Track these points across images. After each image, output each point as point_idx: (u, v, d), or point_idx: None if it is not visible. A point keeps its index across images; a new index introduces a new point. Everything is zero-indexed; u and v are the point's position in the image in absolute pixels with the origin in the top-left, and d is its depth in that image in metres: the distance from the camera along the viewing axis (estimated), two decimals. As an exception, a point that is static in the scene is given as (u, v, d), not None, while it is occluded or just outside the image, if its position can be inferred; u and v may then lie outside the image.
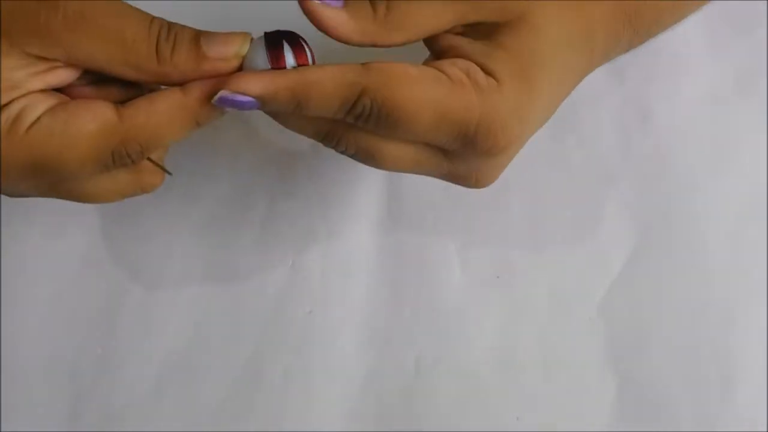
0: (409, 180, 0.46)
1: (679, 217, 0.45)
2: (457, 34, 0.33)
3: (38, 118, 0.31)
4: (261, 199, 0.46)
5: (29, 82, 0.32)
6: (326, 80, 0.31)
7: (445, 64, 0.33)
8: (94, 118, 0.32)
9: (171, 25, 0.32)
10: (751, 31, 0.47)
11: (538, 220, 0.45)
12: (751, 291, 0.44)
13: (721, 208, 0.45)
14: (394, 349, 0.44)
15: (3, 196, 0.45)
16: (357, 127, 0.33)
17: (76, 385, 0.44)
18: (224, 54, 0.32)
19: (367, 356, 0.44)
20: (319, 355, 0.44)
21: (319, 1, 0.32)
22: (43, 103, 0.32)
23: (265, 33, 0.33)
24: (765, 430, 0.43)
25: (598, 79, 0.36)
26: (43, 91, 0.32)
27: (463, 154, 0.34)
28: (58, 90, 0.33)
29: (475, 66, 0.33)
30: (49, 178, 0.33)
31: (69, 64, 0.32)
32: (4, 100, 0.31)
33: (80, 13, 0.31)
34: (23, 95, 0.32)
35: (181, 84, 0.32)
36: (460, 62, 0.33)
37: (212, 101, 0.32)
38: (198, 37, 0.32)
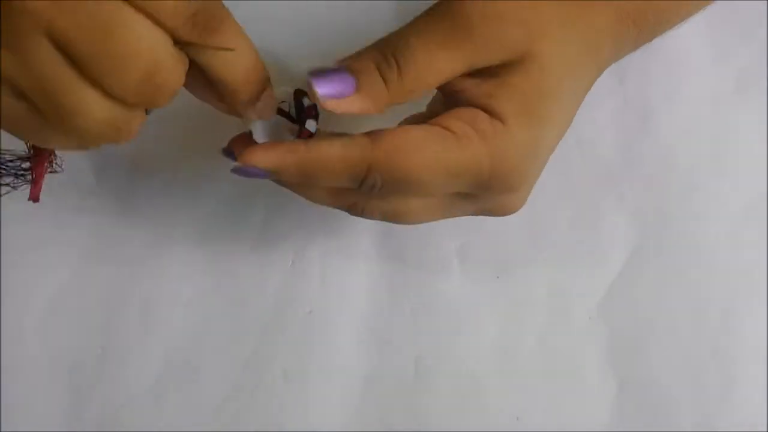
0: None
1: (679, 217, 0.45)
2: (464, 75, 0.34)
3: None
4: (261, 200, 0.46)
5: None
6: (333, 158, 0.32)
7: (450, 119, 0.33)
8: (152, 29, 0.28)
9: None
10: (752, 32, 0.47)
11: (538, 221, 0.45)
12: (751, 291, 0.44)
13: (721, 208, 0.45)
14: (394, 349, 0.44)
15: (3, 198, 0.45)
16: (376, 196, 0.34)
17: (76, 385, 0.44)
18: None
19: (367, 356, 0.44)
20: (319, 355, 0.44)
21: (334, 100, 0.33)
22: None
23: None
24: (765, 430, 0.43)
25: (598, 79, 0.36)
26: None
27: (484, 195, 0.35)
28: None
29: (481, 113, 0.33)
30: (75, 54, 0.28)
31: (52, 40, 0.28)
32: None
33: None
34: None
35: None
36: (464, 113, 0.33)
37: (231, 170, 0.33)
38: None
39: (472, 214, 0.37)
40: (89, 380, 0.44)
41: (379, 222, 0.45)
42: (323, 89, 0.32)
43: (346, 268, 0.45)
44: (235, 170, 0.33)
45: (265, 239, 0.45)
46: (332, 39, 0.45)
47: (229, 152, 0.36)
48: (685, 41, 0.46)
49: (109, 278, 0.45)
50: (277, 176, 0.33)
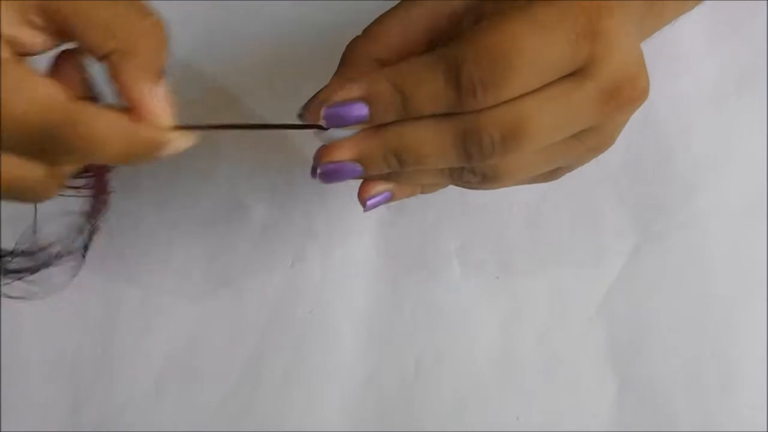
0: (409, 180, 0.46)
1: (679, 217, 0.45)
2: None
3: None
4: (261, 199, 0.46)
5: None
6: (419, 63, 0.31)
7: (510, 3, 0.31)
8: (50, 86, 0.29)
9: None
10: (752, 31, 0.47)
11: (538, 220, 0.45)
12: (751, 291, 0.44)
13: (722, 208, 0.45)
14: (394, 349, 0.44)
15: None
16: (487, 108, 0.31)
17: (76, 385, 0.44)
18: (160, 112, 0.30)
19: (367, 356, 0.44)
20: (319, 355, 0.44)
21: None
22: (5, 52, 0.29)
23: None
24: (765, 430, 0.43)
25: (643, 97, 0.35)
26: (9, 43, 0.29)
27: (593, 55, 0.31)
28: None
29: None
30: None
31: (47, 18, 0.29)
32: None
33: None
34: None
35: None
36: None
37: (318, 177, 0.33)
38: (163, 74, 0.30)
39: (602, 111, 0.32)
40: (89, 380, 0.44)
41: (379, 222, 0.45)
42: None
43: (346, 268, 0.45)
44: (322, 174, 0.33)
45: (265, 239, 0.45)
46: (332, 39, 0.45)
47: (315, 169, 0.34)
48: (685, 41, 0.46)
49: (109, 278, 0.45)
50: (373, 104, 0.31)
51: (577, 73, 0.31)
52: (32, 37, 0.29)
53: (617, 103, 0.32)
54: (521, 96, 0.31)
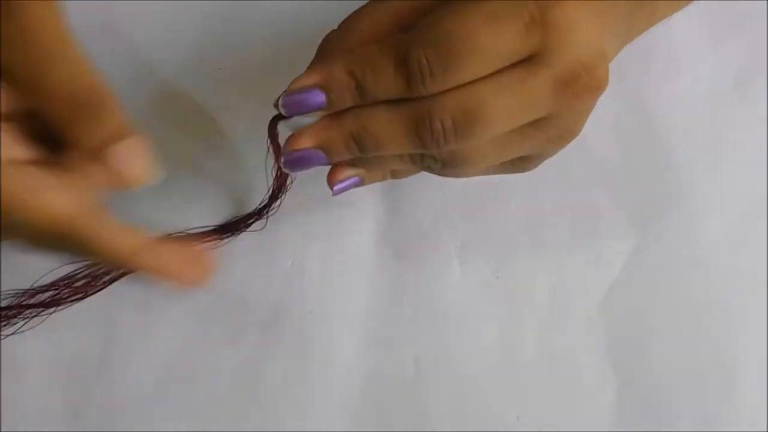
0: (409, 179, 0.46)
1: (679, 217, 0.45)
2: None
3: None
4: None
5: None
6: (371, 50, 0.31)
7: None
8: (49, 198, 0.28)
9: (111, 98, 0.29)
10: (751, 31, 0.47)
11: (538, 220, 0.45)
12: (751, 291, 0.44)
13: (721, 208, 0.45)
14: (394, 349, 0.44)
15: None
16: (439, 94, 0.31)
17: (76, 386, 0.44)
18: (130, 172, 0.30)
19: (367, 356, 0.44)
20: (319, 355, 0.44)
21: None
22: None
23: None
24: (765, 430, 0.43)
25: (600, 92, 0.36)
26: None
27: (546, 44, 0.31)
28: None
29: None
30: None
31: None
32: None
33: (29, 20, 0.27)
34: None
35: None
36: None
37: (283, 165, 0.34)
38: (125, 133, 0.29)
39: (558, 99, 0.32)
40: (89, 380, 0.44)
41: (379, 222, 0.45)
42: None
43: (346, 268, 0.45)
44: (287, 163, 0.33)
45: (265, 239, 0.45)
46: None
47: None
48: (685, 41, 0.46)
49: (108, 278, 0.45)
50: (328, 92, 0.32)
51: (530, 60, 0.31)
52: None
53: (573, 91, 0.32)
54: (472, 82, 0.31)
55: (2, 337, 0.43)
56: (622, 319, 0.44)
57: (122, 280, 0.44)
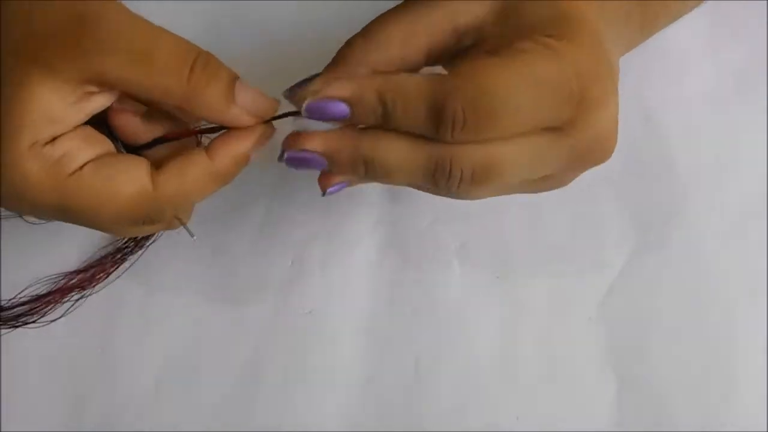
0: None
1: (679, 217, 0.45)
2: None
3: (81, 167, 0.32)
4: (261, 199, 0.46)
5: (69, 114, 0.32)
6: (409, 83, 0.31)
7: (517, 42, 0.31)
8: (132, 182, 0.32)
9: (210, 59, 0.32)
10: (751, 32, 0.47)
11: (538, 220, 0.45)
12: (751, 291, 0.44)
13: (721, 208, 0.45)
14: (394, 349, 0.44)
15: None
16: (463, 143, 0.31)
17: (76, 385, 0.44)
18: (251, 107, 0.33)
19: (367, 356, 0.44)
20: (319, 355, 0.44)
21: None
22: (88, 151, 0.32)
23: None
24: (765, 430, 0.43)
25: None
26: (86, 132, 0.33)
27: (577, 121, 0.32)
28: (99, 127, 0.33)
29: (537, 37, 0.31)
30: (79, 223, 0.33)
31: (101, 85, 0.32)
32: (47, 136, 0.31)
33: (112, 32, 0.31)
34: (67, 133, 0.32)
35: (202, 118, 0.33)
36: (524, 38, 0.31)
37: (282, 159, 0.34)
38: (234, 80, 0.33)
39: (569, 165, 0.33)
40: (89, 380, 0.44)
41: (379, 222, 0.45)
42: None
43: (346, 268, 0.45)
44: (289, 159, 0.33)
45: (265, 239, 0.45)
46: (332, 39, 0.45)
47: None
48: (685, 41, 0.46)
49: (108, 278, 0.45)
50: (355, 106, 0.31)
51: (555, 130, 0.32)
52: (98, 101, 0.32)
53: (585, 162, 0.34)
54: (498, 140, 0.31)
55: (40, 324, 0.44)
56: (622, 320, 0.44)
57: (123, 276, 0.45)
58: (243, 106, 0.33)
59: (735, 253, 0.45)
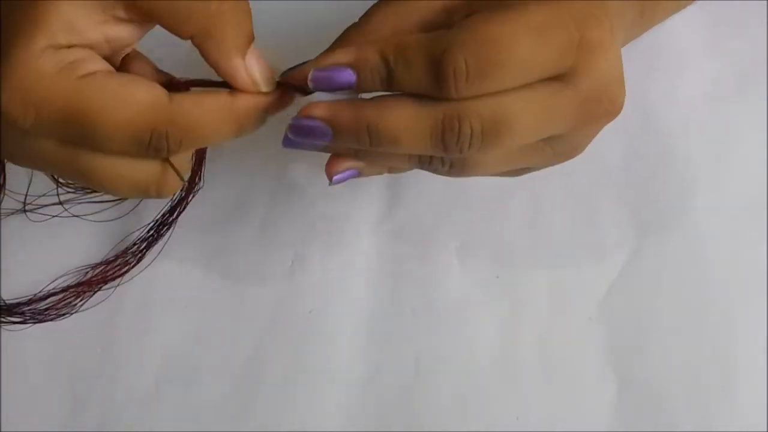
0: (409, 179, 0.46)
1: (679, 217, 0.45)
2: None
3: (93, 72, 0.31)
4: (261, 199, 0.46)
5: (89, 30, 0.31)
6: (411, 41, 0.31)
7: (507, 2, 0.31)
8: (148, 91, 0.32)
9: (243, 4, 0.33)
10: (751, 31, 0.47)
11: (538, 220, 0.45)
12: (751, 291, 0.44)
13: (721, 208, 0.45)
14: (394, 349, 0.44)
15: (4, 198, 0.45)
16: (469, 99, 0.31)
17: (75, 385, 0.44)
18: (254, 75, 0.33)
19: (367, 356, 0.44)
20: (319, 355, 0.44)
21: None
22: (102, 64, 0.32)
23: None
24: (765, 430, 0.43)
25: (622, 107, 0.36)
26: (105, 54, 0.33)
27: (578, 65, 0.32)
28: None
29: None
30: (76, 136, 0.32)
31: (130, 13, 0.32)
32: (63, 42, 0.31)
33: None
34: (84, 45, 0.32)
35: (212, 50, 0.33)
36: None
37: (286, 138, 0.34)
38: (251, 40, 0.33)
39: (576, 118, 0.33)
40: (89, 380, 0.44)
41: (379, 222, 0.45)
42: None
43: (346, 268, 0.45)
44: (293, 127, 0.33)
45: (265, 239, 0.45)
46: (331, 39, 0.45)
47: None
48: (685, 40, 0.46)
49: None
50: (360, 71, 0.32)
51: (559, 79, 0.32)
52: (121, 32, 0.32)
53: (594, 114, 0.33)
54: (503, 92, 0.31)
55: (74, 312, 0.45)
56: (622, 319, 0.44)
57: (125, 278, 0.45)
58: (250, 67, 0.33)
59: (735, 253, 0.45)
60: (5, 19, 0.31)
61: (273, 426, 0.43)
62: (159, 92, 0.32)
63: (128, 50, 0.34)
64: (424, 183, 0.46)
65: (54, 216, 0.45)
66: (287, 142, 0.34)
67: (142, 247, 0.45)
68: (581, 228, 0.45)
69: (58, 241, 0.45)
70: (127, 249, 0.45)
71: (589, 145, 0.45)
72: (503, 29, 0.30)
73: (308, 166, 0.46)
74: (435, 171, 0.36)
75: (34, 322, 0.44)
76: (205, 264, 0.45)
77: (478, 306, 0.44)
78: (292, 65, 0.34)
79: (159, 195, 0.35)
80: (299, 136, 0.33)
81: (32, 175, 0.45)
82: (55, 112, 0.31)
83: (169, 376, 0.44)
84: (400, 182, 0.46)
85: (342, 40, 0.35)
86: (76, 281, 0.45)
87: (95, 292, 0.44)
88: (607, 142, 0.46)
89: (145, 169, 0.33)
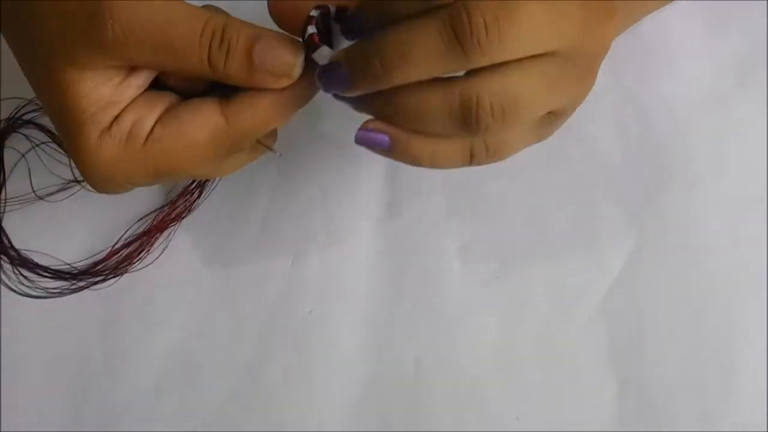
0: (409, 180, 0.46)
1: (679, 217, 0.45)
2: None
3: (151, 130, 0.33)
4: (261, 199, 0.46)
5: (122, 93, 0.33)
6: (418, 26, 0.30)
7: None
8: (204, 125, 0.33)
9: (225, 30, 0.32)
10: (751, 29, 0.47)
11: (538, 220, 0.45)
12: (750, 290, 0.44)
13: (721, 208, 0.45)
14: (394, 349, 0.44)
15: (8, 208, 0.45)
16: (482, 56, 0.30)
17: (76, 385, 0.44)
18: (274, 69, 0.33)
19: (367, 356, 0.44)
20: (319, 355, 0.44)
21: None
22: (152, 113, 0.33)
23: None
24: (765, 430, 0.43)
25: (597, 78, 0.36)
26: (144, 97, 0.33)
27: (569, 52, 0.32)
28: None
29: None
30: (172, 180, 0.35)
31: (137, 67, 0.33)
32: (109, 119, 0.33)
33: (128, 25, 0.31)
34: (126, 107, 0.33)
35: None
36: None
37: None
38: (251, 47, 0.32)
39: (575, 94, 0.34)
40: (89, 380, 0.44)
41: (379, 222, 0.45)
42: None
43: (346, 268, 0.45)
44: (319, 74, 0.33)
45: (265, 239, 0.45)
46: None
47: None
48: (685, 40, 0.46)
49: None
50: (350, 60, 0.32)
51: (557, 54, 0.32)
52: (142, 78, 0.33)
53: (584, 87, 0.35)
54: (514, 68, 0.31)
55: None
56: (622, 319, 0.44)
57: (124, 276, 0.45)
58: (266, 70, 0.33)
59: (735, 252, 0.45)
60: (52, 117, 0.34)
61: (273, 426, 0.43)
62: (213, 120, 0.33)
63: None
64: (424, 183, 0.46)
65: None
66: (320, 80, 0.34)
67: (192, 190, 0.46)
68: (581, 228, 0.45)
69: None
70: (187, 188, 0.46)
71: (589, 145, 0.46)
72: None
73: (309, 166, 0.46)
74: (477, 160, 0.35)
75: (115, 276, 0.45)
76: (205, 264, 0.45)
77: (478, 306, 0.44)
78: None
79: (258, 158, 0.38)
80: (324, 81, 0.33)
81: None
82: (142, 180, 0.34)
83: (170, 376, 0.44)
84: (400, 182, 0.46)
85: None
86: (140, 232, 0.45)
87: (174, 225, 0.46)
88: (607, 142, 0.46)
89: (241, 155, 0.37)
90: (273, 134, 0.38)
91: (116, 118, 0.33)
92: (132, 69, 0.33)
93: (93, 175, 0.34)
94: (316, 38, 0.32)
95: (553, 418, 0.43)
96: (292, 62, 0.33)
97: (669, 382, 0.43)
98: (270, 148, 0.37)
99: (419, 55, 0.30)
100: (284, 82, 0.33)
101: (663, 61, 0.46)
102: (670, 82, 0.46)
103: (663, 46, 0.46)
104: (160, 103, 0.34)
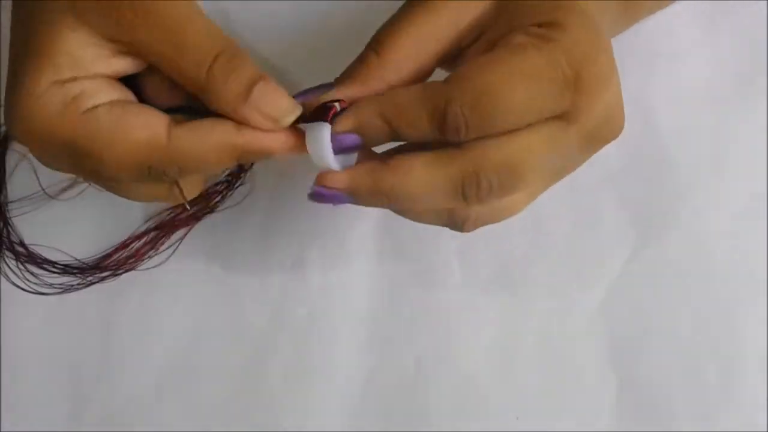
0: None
1: (679, 217, 0.45)
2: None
3: (95, 106, 0.32)
4: (261, 200, 0.46)
5: (95, 64, 0.32)
6: (407, 98, 0.31)
7: (505, 40, 0.32)
8: (144, 128, 0.32)
9: (238, 54, 0.32)
10: (752, 32, 0.47)
11: (538, 220, 0.45)
12: (751, 290, 0.44)
13: (721, 208, 0.45)
14: (394, 349, 0.44)
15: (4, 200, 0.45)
16: (474, 143, 0.32)
17: (76, 385, 0.44)
18: (267, 108, 0.32)
19: (367, 356, 0.44)
20: (319, 355, 0.44)
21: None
22: (106, 94, 0.33)
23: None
24: (765, 430, 0.43)
25: None
26: (109, 79, 0.33)
27: (579, 106, 0.32)
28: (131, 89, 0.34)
29: (533, 27, 0.32)
30: (84, 167, 0.33)
31: (131, 52, 0.32)
32: (67, 75, 0.32)
33: (152, 6, 0.31)
34: (90, 76, 0.32)
35: (217, 110, 0.33)
36: (516, 31, 0.32)
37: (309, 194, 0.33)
38: (257, 80, 0.32)
39: (581, 150, 0.34)
40: (89, 380, 0.44)
41: (379, 222, 0.45)
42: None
43: (346, 269, 0.45)
44: (312, 194, 0.33)
45: (265, 239, 0.45)
46: (332, 39, 0.45)
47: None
48: (685, 41, 0.46)
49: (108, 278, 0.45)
50: (364, 133, 0.32)
51: (561, 117, 0.32)
52: (126, 65, 0.33)
53: (597, 143, 0.34)
54: (511, 140, 0.32)
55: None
56: (622, 319, 0.44)
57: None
58: (258, 105, 0.32)
59: (735, 253, 0.45)
60: (15, 47, 0.33)
61: (273, 426, 0.43)
62: (157, 129, 0.32)
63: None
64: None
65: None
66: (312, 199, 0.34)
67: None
68: (581, 228, 0.45)
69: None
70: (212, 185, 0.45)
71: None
72: (497, 77, 0.31)
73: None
74: (455, 225, 0.37)
75: (123, 272, 0.45)
76: (205, 265, 0.45)
77: (478, 306, 0.44)
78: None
79: (180, 200, 0.36)
80: (321, 201, 0.33)
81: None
82: (57, 146, 0.32)
83: (170, 376, 0.44)
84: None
85: (359, 75, 0.34)
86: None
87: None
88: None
89: (157, 187, 0.35)
90: (197, 184, 0.37)
91: (75, 79, 0.32)
92: (122, 53, 0.33)
93: (19, 120, 0.32)
94: (336, 109, 0.33)
95: (552, 418, 0.43)
96: (288, 109, 0.33)
97: (669, 382, 0.43)
98: (183, 196, 0.36)
99: (425, 196, 0.32)
100: (267, 125, 0.33)
101: (663, 61, 0.46)
102: (670, 83, 0.46)
103: (663, 47, 0.46)
104: (120, 93, 0.33)
